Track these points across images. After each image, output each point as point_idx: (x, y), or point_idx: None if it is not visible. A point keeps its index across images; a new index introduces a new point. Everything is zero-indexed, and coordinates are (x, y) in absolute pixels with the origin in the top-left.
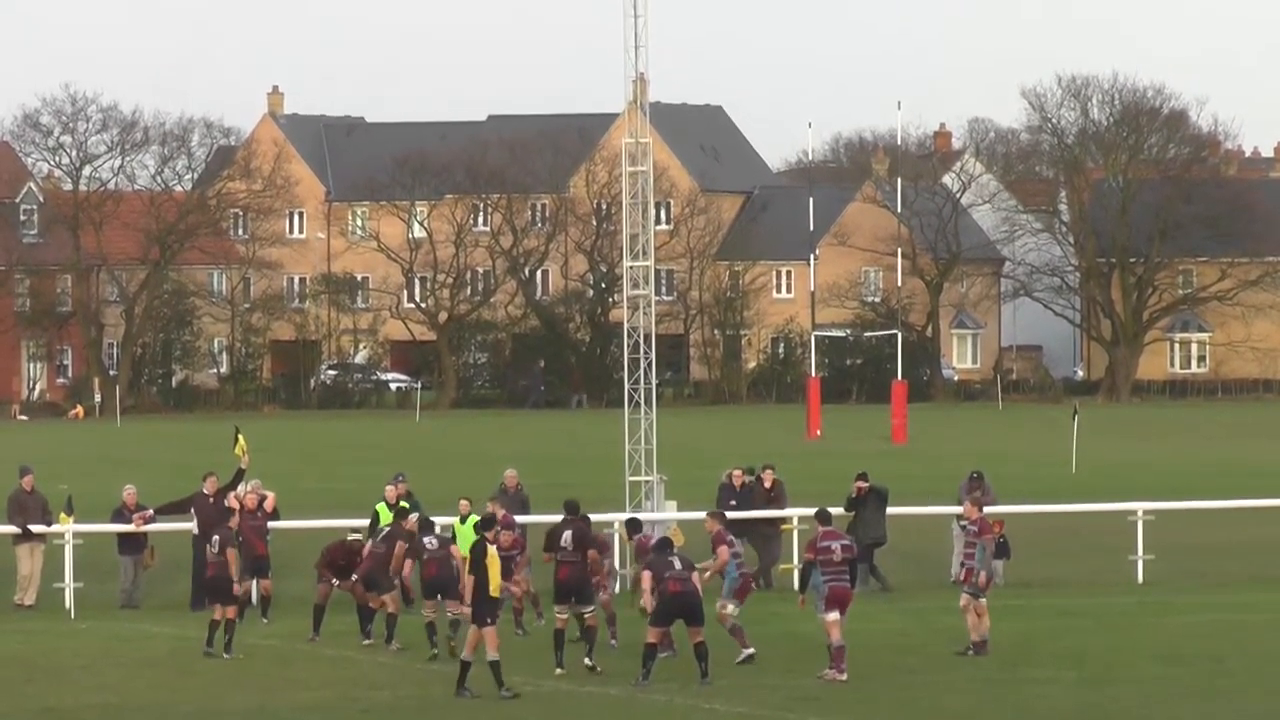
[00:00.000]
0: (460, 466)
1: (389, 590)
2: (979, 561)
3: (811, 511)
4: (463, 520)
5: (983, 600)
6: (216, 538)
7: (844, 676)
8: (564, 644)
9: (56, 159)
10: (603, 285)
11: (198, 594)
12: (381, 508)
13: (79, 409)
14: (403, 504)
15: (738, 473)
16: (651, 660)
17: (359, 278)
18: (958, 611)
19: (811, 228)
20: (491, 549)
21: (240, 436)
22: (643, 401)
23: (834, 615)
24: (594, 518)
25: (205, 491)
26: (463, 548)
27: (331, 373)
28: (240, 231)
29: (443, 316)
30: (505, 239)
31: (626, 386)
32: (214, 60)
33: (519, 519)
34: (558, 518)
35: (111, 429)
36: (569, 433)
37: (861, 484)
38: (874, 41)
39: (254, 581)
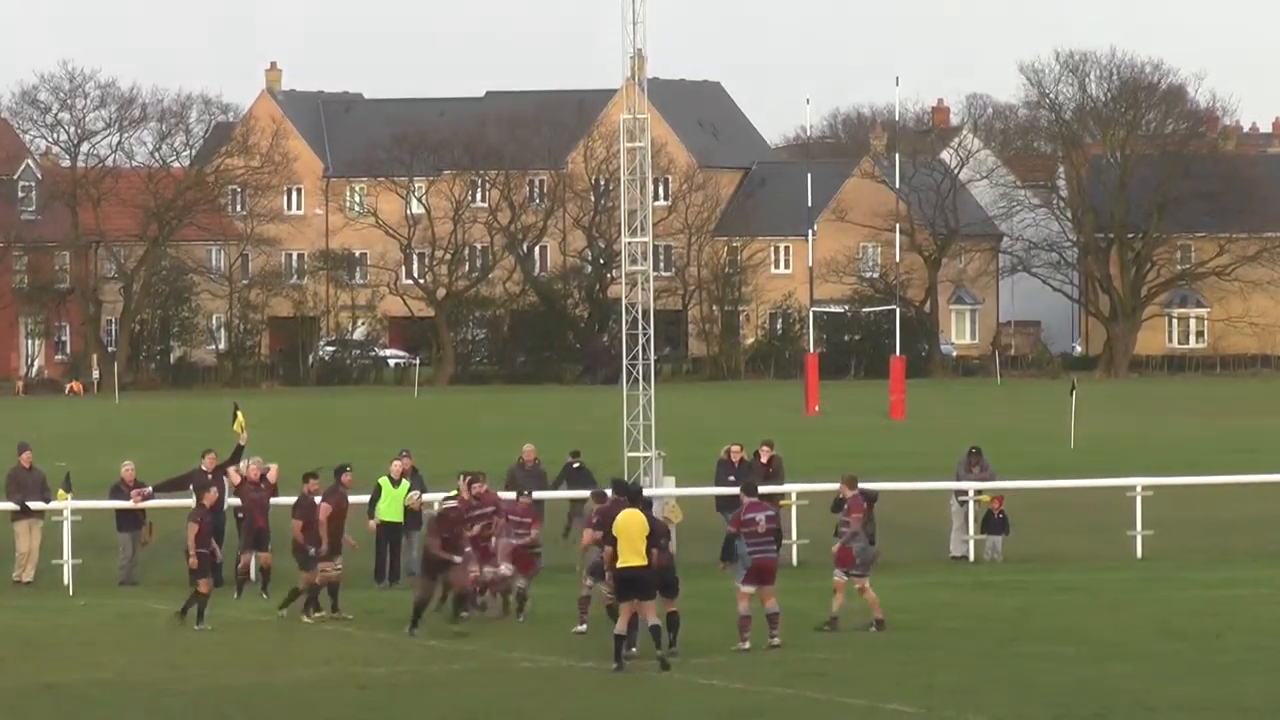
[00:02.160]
0: (459, 442)
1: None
2: (856, 541)
3: (811, 487)
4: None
5: (865, 580)
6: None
7: (745, 645)
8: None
9: (54, 136)
10: (601, 261)
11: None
12: (384, 482)
13: (76, 384)
14: (390, 481)
15: (735, 448)
16: (663, 631)
17: (357, 254)
18: (957, 587)
19: (810, 203)
20: (635, 521)
21: (239, 413)
22: (641, 377)
23: (750, 587)
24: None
25: (204, 468)
26: None
27: (330, 349)
28: (238, 208)
29: (441, 293)
30: (503, 215)
31: (625, 362)
32: (212, 36)
33: (536, 494)
34: (572, 492)
35: (110, 405)
36: (568, 408)
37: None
38: (872, 17)
39: (254, 555)
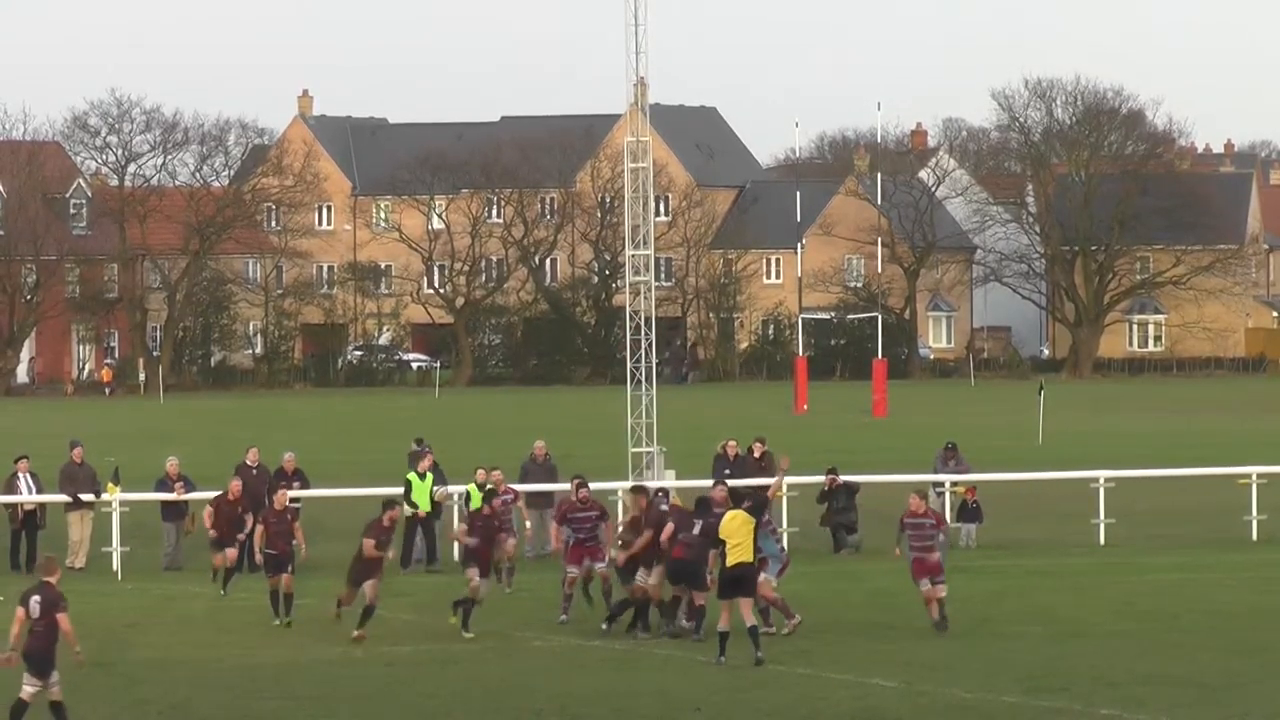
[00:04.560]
0: (477, 439)
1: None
2: (942, 550)
3: (800, 480)
4: (480, 488)
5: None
6: (36, 599)
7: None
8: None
9: (104, 157)
10: (606, 272)
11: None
12: (412, 476)
13: (107, 371)
14: (418, 475)
15: (731, 444)
16: (672, 618)
17: (382, 266)
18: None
19: (799, 219)
20: (742, 521)
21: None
22: (643, 379)
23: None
24: (599, 486)
25: (248, 463)
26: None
27: (357, 353)
28: (273, 224)
29: (459, 301)
30: (517, 230)
31: (629, 365)
32: (249, 66)
33: (548, 487)
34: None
35: (155, 405)
36: (576, 407)
37: (833, 478)
38: (856, 47)
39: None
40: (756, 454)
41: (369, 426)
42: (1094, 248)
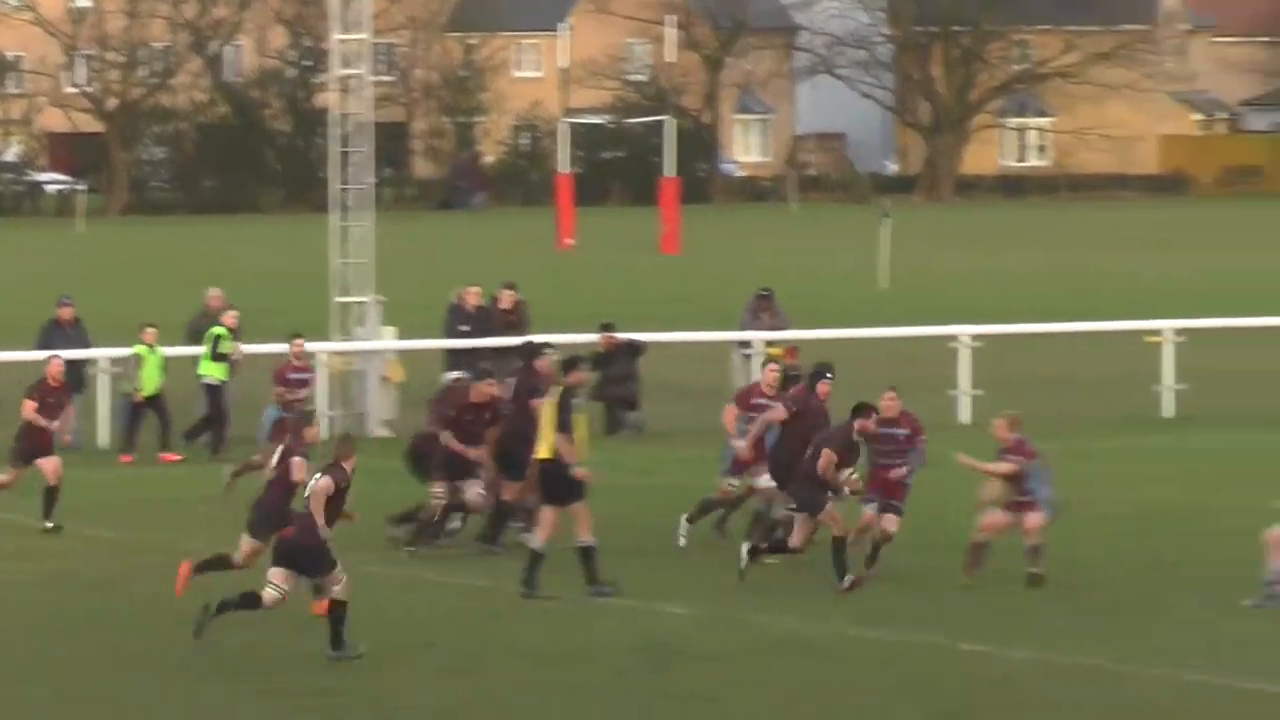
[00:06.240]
0: (134, 285)
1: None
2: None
3: (565, 338)
4: (152, 350)
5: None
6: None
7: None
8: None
9: None
10: (307, 64)
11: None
12: (221, 332)
13: None
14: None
15: (471, 292)
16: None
17: (9, 57)
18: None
19: None
20: None
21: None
22: (355, 205)
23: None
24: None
25: (61, 319)
26: (149, 384)
27: None
28: None
29: (112, 103)
30: (189, 8)
31: (335, 187)
32: None
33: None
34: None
35: None
36: (266, 243)
37: (609, 337)
38: None
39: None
40: (505, 304)
41: None
42: (957, 29)
